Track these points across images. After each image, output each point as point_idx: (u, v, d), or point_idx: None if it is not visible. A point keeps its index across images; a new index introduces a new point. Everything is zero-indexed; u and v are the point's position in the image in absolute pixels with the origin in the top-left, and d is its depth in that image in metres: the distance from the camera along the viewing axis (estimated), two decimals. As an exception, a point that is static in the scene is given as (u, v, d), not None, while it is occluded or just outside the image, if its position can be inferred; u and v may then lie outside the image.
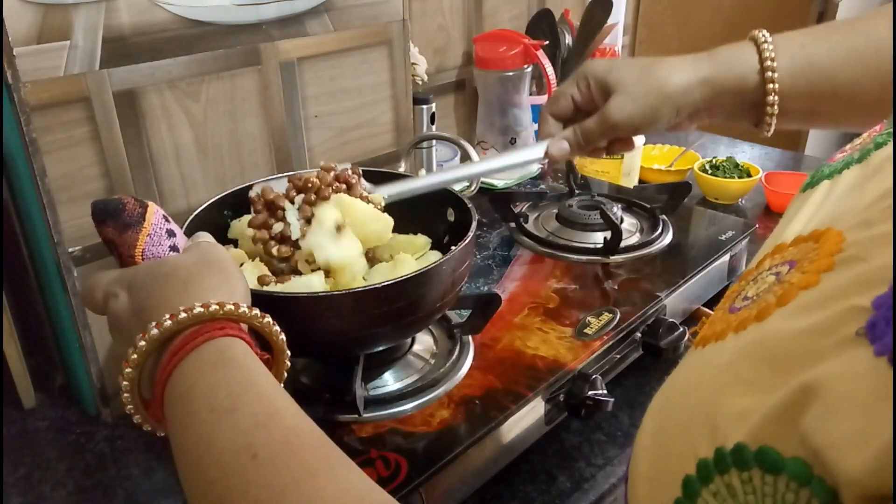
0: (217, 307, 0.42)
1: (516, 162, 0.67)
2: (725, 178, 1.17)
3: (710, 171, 1.19)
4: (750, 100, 0.59)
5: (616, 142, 0.66)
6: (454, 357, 0.69)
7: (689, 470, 0.26)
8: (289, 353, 0.47)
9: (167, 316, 0.41)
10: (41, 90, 0.63)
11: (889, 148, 0.34)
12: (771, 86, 0.57)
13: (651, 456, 0.30)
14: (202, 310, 0.41)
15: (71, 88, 0.65)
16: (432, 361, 0.70)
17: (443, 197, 0.73)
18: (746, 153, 1.42)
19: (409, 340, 0.73)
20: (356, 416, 0.62)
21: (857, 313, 0.23)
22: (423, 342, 0.73)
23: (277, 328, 0.46)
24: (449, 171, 0.67)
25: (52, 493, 0.67)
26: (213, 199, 0.69)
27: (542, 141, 0.66)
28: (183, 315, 0.41)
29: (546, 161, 0.66)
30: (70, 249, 0.68)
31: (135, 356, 0.41)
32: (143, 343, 0.41)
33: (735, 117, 0.62)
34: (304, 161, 0.87)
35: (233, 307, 0.42)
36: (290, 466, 0.35)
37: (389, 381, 0.68)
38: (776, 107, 0.58)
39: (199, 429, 0.37)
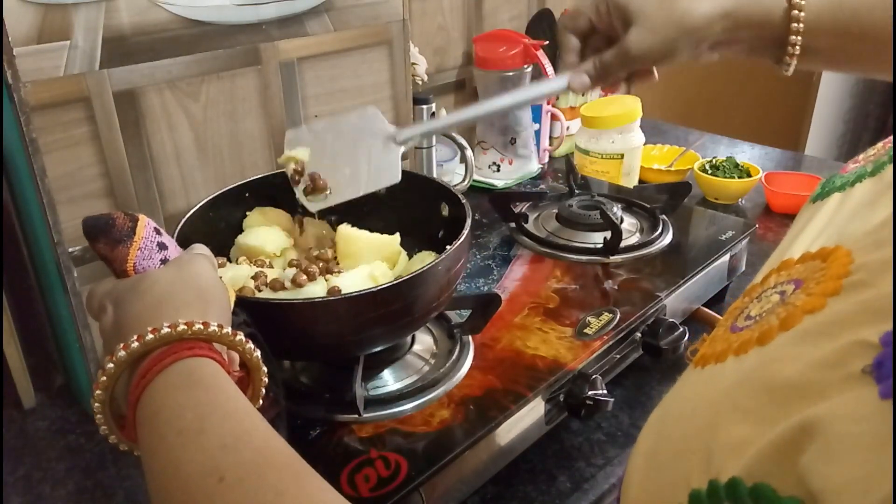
0: (185, 327, 0.41)
1: (539, 94, 0.67)
2: (725, 178, 1.17)
3: (710, 171, 1.19)
4: (773, 34, 0.57)
5: (636, 74, 0.65)
6: (454, 357, 0.69)
7: (682, 500, 0.25)
8: (265, 369, 0.46)
9: (135, 337, 0.41)
10: (41, 90, 0.63)
11: None
12: (796, 24, 0.55)
13: (643, 479, 0.30)
14: (169, 330, 0.41)
15: (71, 88, 0.65)
16: (432, 361, 0.70)
17: (436, 192, 0.73)
18: (746, 153, 1.42)
19: (409, 340, 0.73)
20: (356, 416, 0.62)
21: (864, 349, 0.23)
22: (423, 342, 0.73)
23: (251, 346, 0.45)
24: (469, 109, 0.66)
25: (52, 493, 0.67)
26: (208, 198, 0.69)
27: (563, 73, 0.64)
28: (150, 336, 0.40)
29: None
30: (70, 249, 0.68)
31: (103, 378, 0.41)
32: (110, 365, 0.41)
33: (756, 52, 0.60)
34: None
35: (202, 326, 0.41)
36: (258, 489, 0.34)
37: (389, 381, 0.68)
38: (798, 46, 0.56)
39: (168, 452, 0.37)
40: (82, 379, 0.74)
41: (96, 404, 0.42)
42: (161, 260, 0.49)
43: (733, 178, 1.17)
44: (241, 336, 0.44)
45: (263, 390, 0.47)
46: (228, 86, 0.78)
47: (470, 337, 0.72)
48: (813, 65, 0.58)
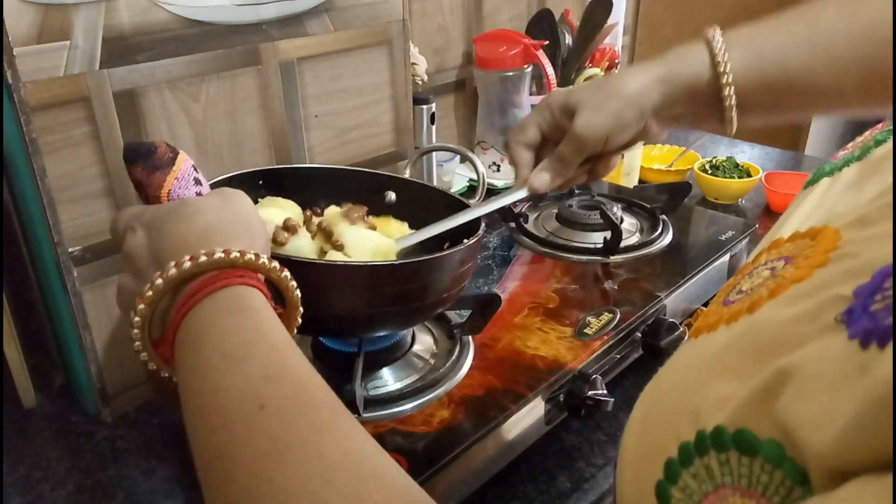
0: (238, 255, 0.41)
1: (505, 203, 0.68)
2: (725, 178, 1.17)
3: (710, 171, 1.19)
4: (708, 96, 0.58)
5: (595, 163, 0.67)
6: (454, 357, 0.69)
7: (672, 453, 0.26)
8: (301, 309, 0.47)
9: (187, 258, 0.41)
10: (41, 90, 0.63)
11: (888, 145, 0.34)
12: (725, 79, 0.57)
13: (637, 441, 0.31)
14: (223, 255, 0.41)
15: (71, 88, 0.65)
16: (432, 361, 0.70)
17: (445, 203, 0.73)
18: (746, 153, 1.42)
19: (409, 340, 0.73)
20: (356, 415, 0.62)
21: (839, 301, 0.24)
22: (423, 342, 0.73)
23: (294, 283, 0.45)
24: (447, 220, 0.67)
25: (52, 493, 0.67)
26: (219, 178, 0.69)
27: (522, 179, 0.66)
28: (203, 259, 0.41)
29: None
30: (70, 249, 0.68)
31: (150, 293, 0.41)
32: (160, 282, 0.41)
33: (700, 118, 0.62)
34: (304, 161, 0.87)
35: (253, 257, 0.42)
36: (296, 422, 0.35)
37: (389, 381, 0.68)
38: (733, 102, 0.57)
39: (209, 374, 0.37)
40: (82, 379, 0.74)
41: (136, 318, 0.42)
42: (196, 193, 0.49)
43: (733, 178, 1.17)
44: (286, 272, 0.44)
45: (295, 329, 0.48)
46: (228, 86, 0.78)
47: (470, 337, 0.72)
48: (756, 119, 0.60)
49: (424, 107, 1.04)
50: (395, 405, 0.64)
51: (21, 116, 0.62)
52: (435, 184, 1.05)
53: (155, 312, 0.43)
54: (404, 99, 0.96)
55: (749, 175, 1.17)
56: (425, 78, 1.12)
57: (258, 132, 0.82)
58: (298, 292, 0.46)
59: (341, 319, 0.61)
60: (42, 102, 0.64)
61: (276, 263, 0.44)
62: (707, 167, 1.20)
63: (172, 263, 0.41)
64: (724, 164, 1.20)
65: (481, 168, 0.83)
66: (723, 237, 0.93)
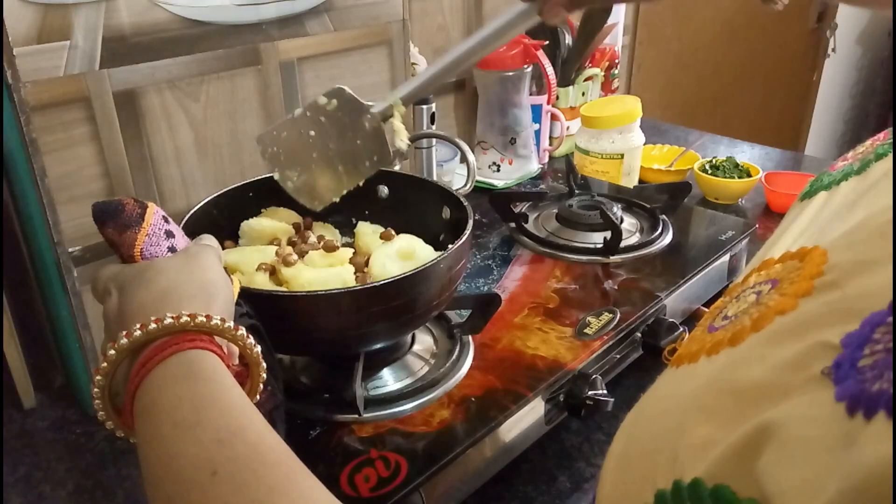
0: (188, 318, 0.41)
1: (506, 22, 0.59)
2: (725, 178, 1.17)
3: (710, 171, 1.19)
4: None
5: None
6: (454, 357, 0.69)
7: (648, 499, 0.26)
8: (264, 365, 0.46)
9: (137, 325, 0.41)
10: (41, 90, 0.63)
11: (888, 161, 0.33)
12: None
13: (615, 479, 0.30)
14: (172, 321, 0.41)
15: (71, 88, 0.65)
16: (432, 361, 0.70)
17: (439, 194, 0.73)
18: (746, 153, 1.42)
19: (409, 340, 0.73)
20: (356, 416, 0.62)
21: (825, 350, 0.23)
22: (423, 342, 0.73)
23: (252, 341, 0.45)
24: (447, 55, 0.61)
25: (52, 493, 0.67)
26: (209, 198, 0.69)
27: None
28: (153, 326, 0.40)
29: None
30: (70, 249, 0.68)
31: (104, 364, 0.41)
32: (112, 352, 0.41)
33: None
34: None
35: (204, 319, 0.41)
36: (250, 485, 0.34)
37: (389, 381, 0.68)
38: None
39: (163, 443, 0.37)
40: (82, 379, 0.74)
41: (95, 390, 0.42)
42: (168, 248, 0.49)
43: (733, 178, 1.17)
44: (242, 331, 0.44)
45: (261, 385, 0.47)
46: (228, 86, 0.78)
47: (470, 337, 0.72)
48: None
49: (424, 107, 1.03)
50: (395, 405, 0.64)
51: (21, 116, 0.62)
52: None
53: (117, 381, 0.42)
54: (404, 99, 0.96)
55: (749, 175, 1.17)
56: (425, 78, 1.12)
57: (258, 132, 0.82)
58: (258, 348, 0.45)
59: (333, 342, 0.62)
60: (42, 102, 0.64)
61: (230, 323, 0.43)
62: (707, 167, 1.20)
63: (124, 333, 0.41)
64: (724, 164, 1.20)
65: (471, 157, 0.83)
66: (723, 237, 0.93)
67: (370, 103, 0.62)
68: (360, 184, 0.65)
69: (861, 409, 0.20)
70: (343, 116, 0.63)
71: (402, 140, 0.63)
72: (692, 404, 0.27)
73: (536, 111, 1.25)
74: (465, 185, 0.98)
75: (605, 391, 0.68)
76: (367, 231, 0.74)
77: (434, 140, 1.02)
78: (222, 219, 0.71)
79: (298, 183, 0.65)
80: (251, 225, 0.71)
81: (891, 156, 0.33)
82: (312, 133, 0.64)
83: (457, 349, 0.70)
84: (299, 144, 0.64)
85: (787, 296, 0.27)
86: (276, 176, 0.66)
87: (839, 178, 0.36)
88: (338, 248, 0.66)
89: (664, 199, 1.00)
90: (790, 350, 0.24)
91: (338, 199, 0.65)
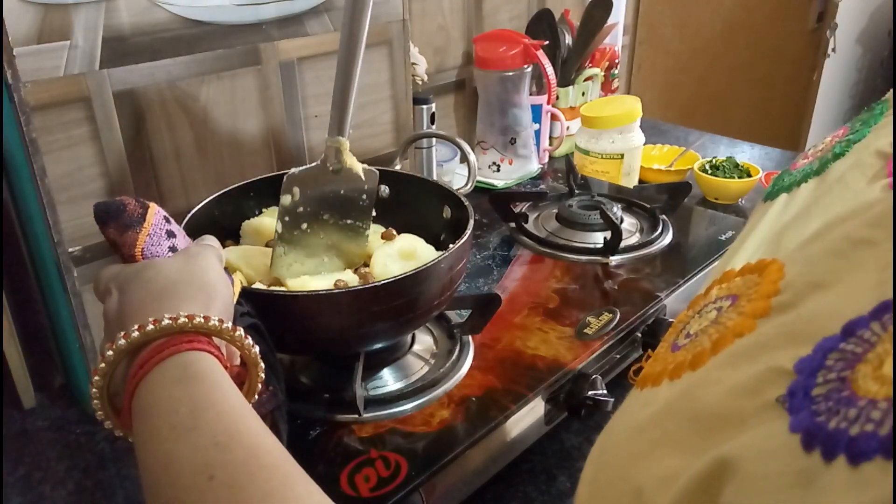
0: (185, 320, 0.41)
1: None
2: (725, 178, 1.17)
3: (710, 171, 1.19)
4: None
5: None
6: (454, 357, 0.69)
7: None
8: (262, 365, 0.46)
9: (135, 326, 0.41)
10: (41, 90, 0.63)
11: (846, 161, 0.33)
12: None
13: None
14: (170, 322, 0.40)
15: (71, 88, 0.65)
16: (432, 361, 0.70)
17: (439, 194, 0.73)
18: (746, 153, 1.42)
19: (410, 340, 0.73)
20: (356, 416, 0.62)
21: (779, 375, 0.22)
22: (423, 342, 0.73)
23: (250, 341, 0.45)
24: (338, 71, 0.66)
25: (52, 493, 0.67)
26: (211, 197, 0.69)
27: None
28: (150, 327, 0.40)
29: None
30: (70, 249, 0.68)
31: (102, 365, 0.41)
32: (110, 353, 0.41)
33: None
34: (304, 161, 0.87)
35: (202, 320, 0.41)
36: (246, 489, 0.34)
37: (389, 381, 0.68)
38: None
39: (160, 446, 0.37)
40: (82, 379, 0.74)
41: (94, 390, 0.42)
42: (169, 248, 0.49)
43: (733, 178, 1.17)
44: (240, 332, 0.44)
45: (260, 386, 0.47)
46: (228, 86, 0.78)
47: (470, 337, 0.72)
48: None
49: (424, 107, 1.04)
50: (395, 405, 0.64)
51: (21, 116, 0.62)
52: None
53: (116, 381, 0.42)
54: (404, 99, 0.96)
55: (749, 175, 1.17)
56: (425, 78, 1.12)
57: (258, 132, 0.82)
58: (257, 349, 0.45)
59: (334, 342, 0.62)
60: (42, 102, 0.64)
61: (228, 324, 0.43)
62: (707, 167, 1.20)
63: (122, 333, 0.41)
64: (724, 164, 1.20)
65: (472, 157, 0.83)
66: (723, 237, 0.93)
67: (318, 162, 0.65)
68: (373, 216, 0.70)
69: (818, 447, 0.19)
70: (310, 192, 0.65)
71: (359, 167, 0.66)
72: (655, 432, 0.27)
73: (536, 111, 1.24)
74: (466, 184, 0.98)
75: (605, 391, 0.68)
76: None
77: (434, 140, 1.02)
78: (223, 219, 0.71)
79: (331, 266, 0.69)
80: (252, 225, 0.72)
81: (847, 156, 0.33)
82: (304, 225, 0.67)
83: (457, 349, 0.70)
84: (309, 240, 0.67)
85: (745, 315, 0.27)
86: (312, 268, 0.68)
87: (799, 178, 0.35)
88: None
89: (664, 199, 1.00)
90: (745, 374, 0.24)
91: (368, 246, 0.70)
